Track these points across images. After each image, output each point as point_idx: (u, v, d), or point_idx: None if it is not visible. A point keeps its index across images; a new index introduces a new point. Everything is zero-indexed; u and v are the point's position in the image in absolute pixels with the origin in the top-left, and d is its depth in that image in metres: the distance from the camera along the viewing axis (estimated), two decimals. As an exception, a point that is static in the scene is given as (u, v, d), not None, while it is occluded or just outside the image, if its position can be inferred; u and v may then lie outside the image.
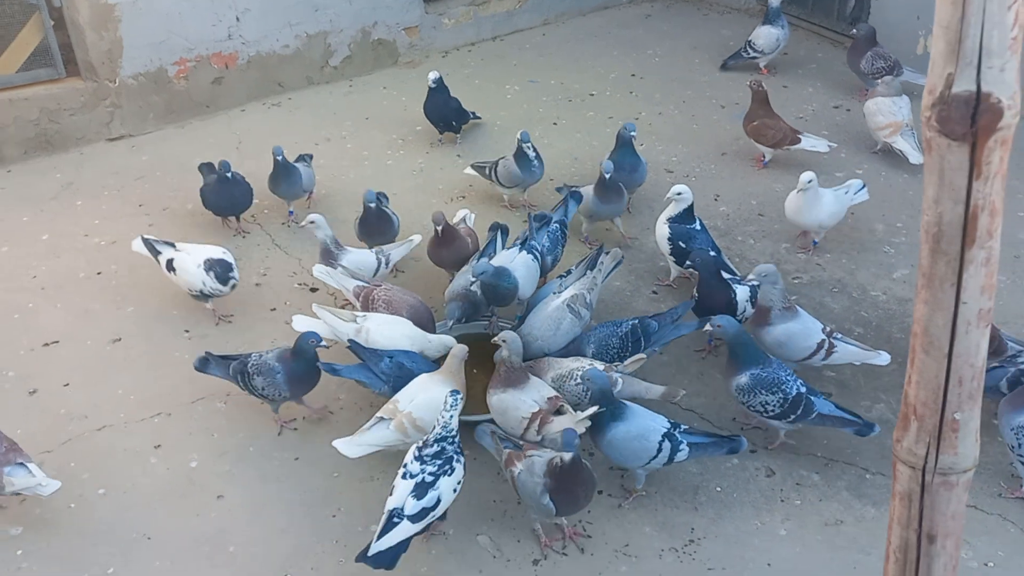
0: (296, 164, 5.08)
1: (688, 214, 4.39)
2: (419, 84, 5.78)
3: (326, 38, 6.54)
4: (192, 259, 4.23)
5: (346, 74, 6.70)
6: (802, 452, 3.65)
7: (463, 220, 4.66)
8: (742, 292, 4.01)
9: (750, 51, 6.58)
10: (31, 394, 4.01)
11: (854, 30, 6.10)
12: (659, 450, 3.27)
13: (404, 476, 3.12)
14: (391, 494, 3.11)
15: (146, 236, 4.40)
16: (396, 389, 3.52)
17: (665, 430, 3.30)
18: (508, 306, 4.17)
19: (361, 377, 3.58)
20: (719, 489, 3.49)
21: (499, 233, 4.40)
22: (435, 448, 3.14)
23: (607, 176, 4.58)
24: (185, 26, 5.95)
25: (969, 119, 1.50)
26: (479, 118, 5.98)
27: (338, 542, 3.32)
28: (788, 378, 3.47)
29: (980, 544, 3.25)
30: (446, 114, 5.76)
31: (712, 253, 4.24)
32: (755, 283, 3.79)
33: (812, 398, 3.45)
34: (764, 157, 5.52)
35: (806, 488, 3.49)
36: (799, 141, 5.37)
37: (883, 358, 3.78)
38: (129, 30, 5.74)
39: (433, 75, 5.65)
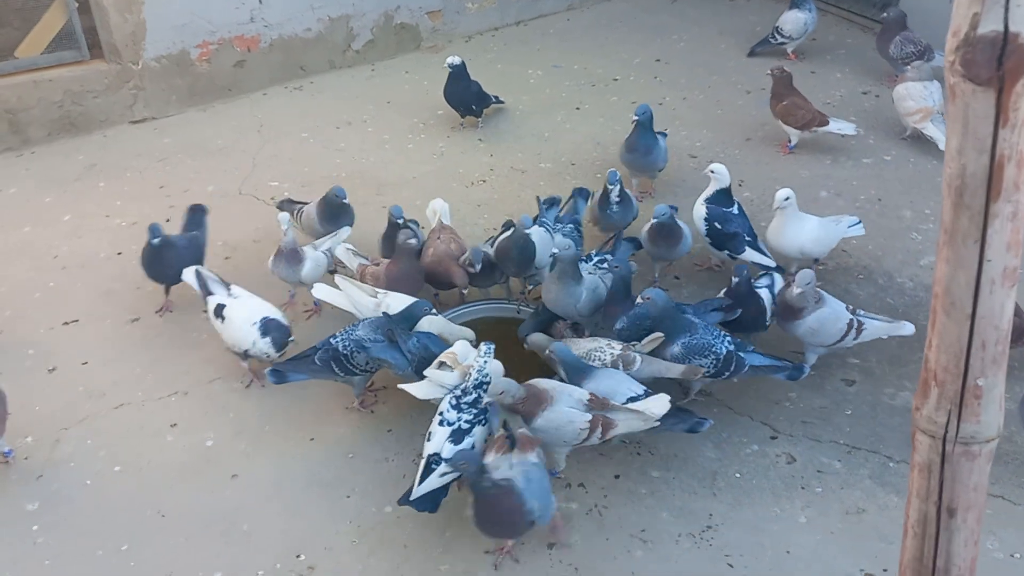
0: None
1: (726, 196, 4.33)
2: (441, 69, 5.73)
3: (348, 21, 6.51)
4: (247, 314, 3.76)
5: (368, 58, 6.67)
6: (824, 439, 3.58)
7: (439, 216, 4.42)
8: (768, 296, 3.89)
9: (778, 37, 6.47)
10: (50, 372, 4.03)
11: (884, 14, 5.98)
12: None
13: (441, 423, 3.24)
14: (428, 440, 3.22)
15: (200, 269, 4.02)
16: (419, 371, 3.49)
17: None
18: (523, 274, 4.12)
19: (387, 356, 3.53)
20: (738, 475, 3.43)
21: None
22: (472, 396, 3.29)
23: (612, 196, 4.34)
24: (208, 9, 5.94)
25: (995, 62, 1.40)
26: (502, 102, 5.92)
27: (352, 522, 3.30)
28: (716, 340, 3.56)
29: (1007, 535, 3.17)
30: (466, 98, 5.71)
31: (748, 238, 4.25)
32: (797, 290, 3.65)
33: (741, 354, 3.57)
34: (790, 141, 5.42)
35: (828, 475, 3.42)
36: (827, 123, 5.27)
37: (908, 328, 3.73)
38: (152, 12, 5.74)
39: (451, 59, 5.60)
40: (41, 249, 4.78)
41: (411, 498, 3.14)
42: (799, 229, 4.23)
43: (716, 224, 4.29)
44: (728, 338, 3.60)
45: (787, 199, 4.18)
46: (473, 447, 3.20)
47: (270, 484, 3.48)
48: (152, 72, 5.90)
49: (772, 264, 4.21)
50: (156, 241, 4.10)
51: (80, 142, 5.75)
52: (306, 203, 4.61)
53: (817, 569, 3.10)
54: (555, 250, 3.88)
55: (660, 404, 3.23)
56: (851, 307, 3.75)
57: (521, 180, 5.25)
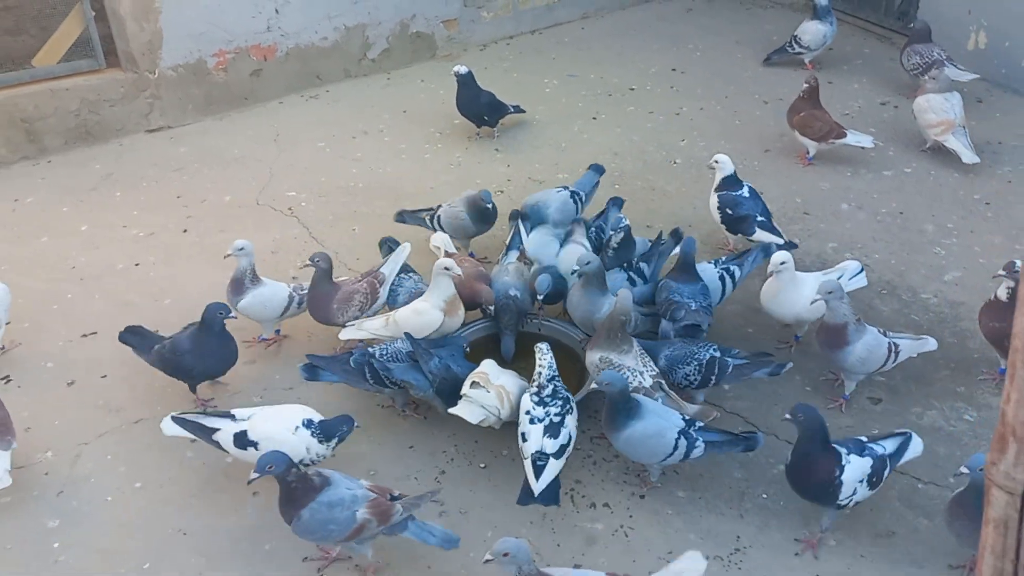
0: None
1: (734, 181, 4.48)
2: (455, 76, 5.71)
3: (364, 31, 6.49)
4: (280, 424, 3.31)
5: (384, 67, 6.65)
6: (851, 459, 3.53)
7: (443, 250, 4.34)
8: (850, 472, 3.14)
9: (795, 46, 6.44)
10: (69, 385, 4.00)
11: (912, 24, 5.91)
12: (675, 447, 3.22)
13: (532, 422, 3.28)
14: (525, 441, 3.25)
15: (176, 414, 3.41)
16: (440, 393, 3.46)
17: (680, 428, 3.24)
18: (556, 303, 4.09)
19: (408, 377, 3.51)
20: (764, 496, 3.40)
21: (519, 221, 4.36)
22: (550, 388, 3.33)
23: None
24: (225, 18, 5.93)
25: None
26: (523, 111, 5.88)
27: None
28: (699, 348, 3.59)
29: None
30: (476, 108, 5.68)
31: (761, 218, 4.40)
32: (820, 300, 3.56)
33: (727, 358, 3.56)
34: (808, 153, 5.38)
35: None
36: (844, 135, 5.24)
37: (931, 344, 3.69)
38: (169, 21, 5.72)
39: (459, 68, 5.57)
40: (58, 259, 4.76)
41: (535, 495, 3.17)
42: (796, 295, 3.84)
43: (727, 210, 4.45)
44: (712, 346, 3.62)
45: (783, 263, 3.81)
46: (570, 437, 3.28)
47: (292, 502, 3.44)
48: (168, 81, 5.88)
49: (783, 242, 4.32)
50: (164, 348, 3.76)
51: (96, 151, 5.73)
52: (430, 208, 4.62)
53: (847, 593, 3.06)
54: (576, 267, 3.83)
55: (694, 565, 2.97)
56: (880, 329, 3.69)
57: (539, 190, 5.20)
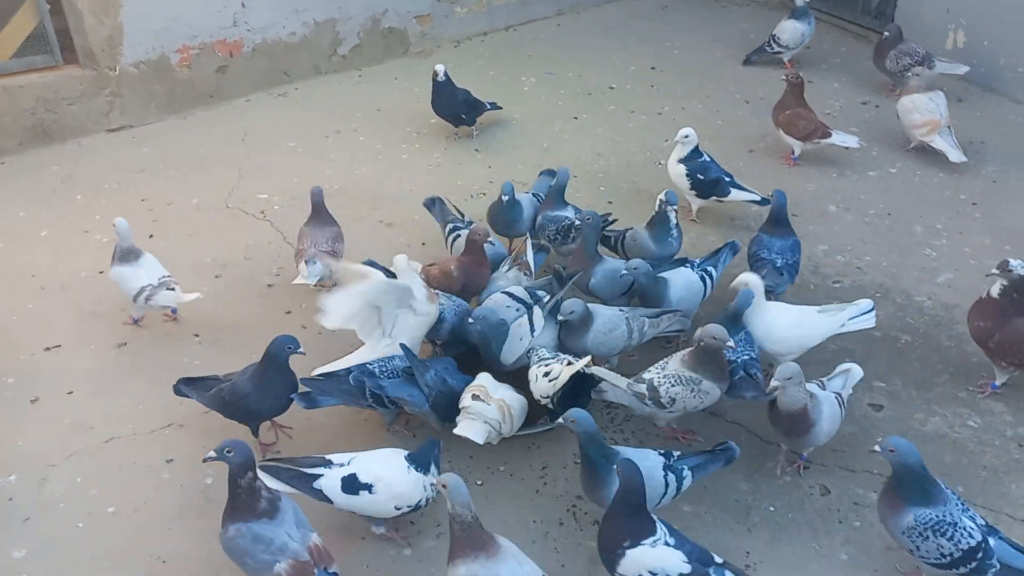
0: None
1: (696, 151, 4.69)
2: (431, 75, 5.52)
3: (335, 26, 6.28)
4: (391, 465, 3.03)
5: (355, 63, 6.45)
6: (857, 468, 3.44)
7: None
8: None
9: (774, 45, 6.38)
10: (33, 402, 3.76)
11: (885, 32, 5.87)
12: (666, 484, 3.03)
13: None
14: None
15: (263, 462, 3.10)
16: (436, 408, 3.30)
17: (663, 463, 3.06)
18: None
19: (403, 393, 3.34)
20: (772, 509, 3.29)
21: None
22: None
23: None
24: (189, 12, 5.68)
25: None
26: (499, 107, 5.72)
27: (368, 567, 3.10)
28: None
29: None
30: (455, 108, 5.51)
31: (727, 178, 4.69)
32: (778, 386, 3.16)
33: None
34: (793, 153, 5.31)
35: (864, 508, 3.28)
36: (829, 135, 5.17)
37: (856, 373, 3.45)
38: (130, 15, 5.46)
39: (440, 68, 5.39)
40: (18, 268, 4.49)
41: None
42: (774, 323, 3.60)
43: (699, 176, 4.68)
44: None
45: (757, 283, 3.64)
46: None
47: (277, 525, 3.25)
48: (130, 78, 5.62)
49: (758, 198, 4.63)
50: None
51: (54, 152, 5.45)
52: (461, 226, 4.30)
53: (862, 610, 2.97)
54: (562, 317, 3.60)
55: None
56: (818, 381, 3.37)
57: (522, 192, 5.05)
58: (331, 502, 3.00)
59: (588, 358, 3.41)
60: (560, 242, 4.34)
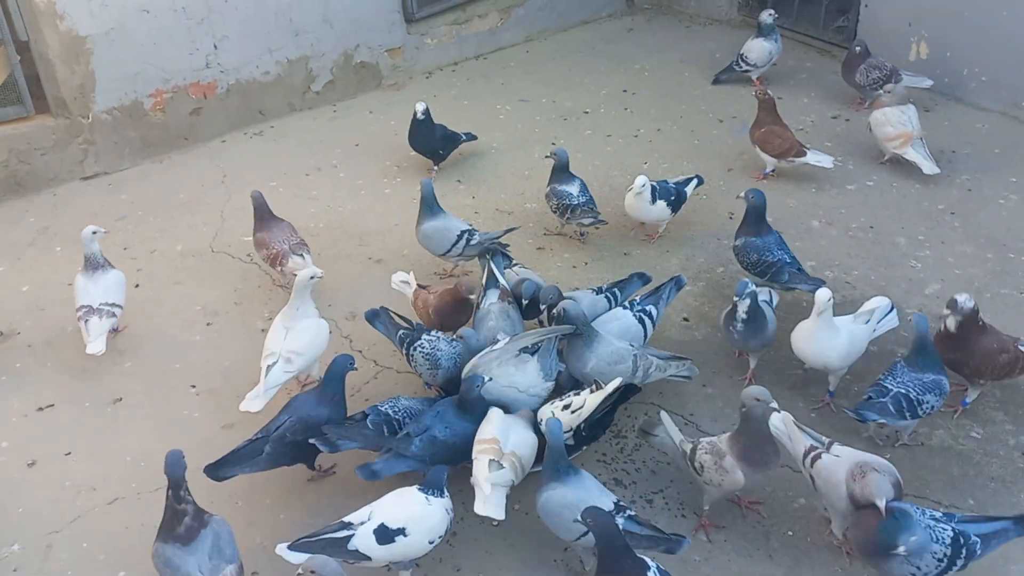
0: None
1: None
2: (405, 107, 5.52)
3: (307, 63, 6.25)
4: (411, 502, 3.04)
5: (329, 99, 6.42)
6: (867, 486, 3.48)
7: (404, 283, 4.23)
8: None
9: (742, 64, 6.47)
10: (30, 466, 3.67)
11: (857, 48, 5.99)
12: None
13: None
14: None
15: (293, 543, 2.96)
16: (436, 462, 3.25)
17: (604, 511, 2.93)
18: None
19: (402, 468, 3.29)
20: (791, 533, 3.31)
21: (490, 259, 4.15)
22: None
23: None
24: (161, 56, 5.61)
25: None
26: (475, 138, 5.73)
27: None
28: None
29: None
30: (432, 144, 5.51)
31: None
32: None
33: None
34: (766, 167, 5.38)
35: (879, 526, 3.32)
36: (804, 154, 5.26)
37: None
38: (102, 62, 5.39)
39: (420, 106, 5.38)
40: (2, 325, 4.38)
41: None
42: (832, 341, 3.64)
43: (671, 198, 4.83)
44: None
45: (829, 299, 3.62)
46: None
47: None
48: (103, 125, 5.54)
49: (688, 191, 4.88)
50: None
51: (29, 203, 5.35)
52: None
53: (885, 628, 2.99)
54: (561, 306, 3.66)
55: None
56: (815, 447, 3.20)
57: (509, 221, 5.07)
58: (369, 559, 2.95)
59: (618, 380, 3.40)
60: (560, 214, 4.82)
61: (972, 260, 4.69)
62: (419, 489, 3.05)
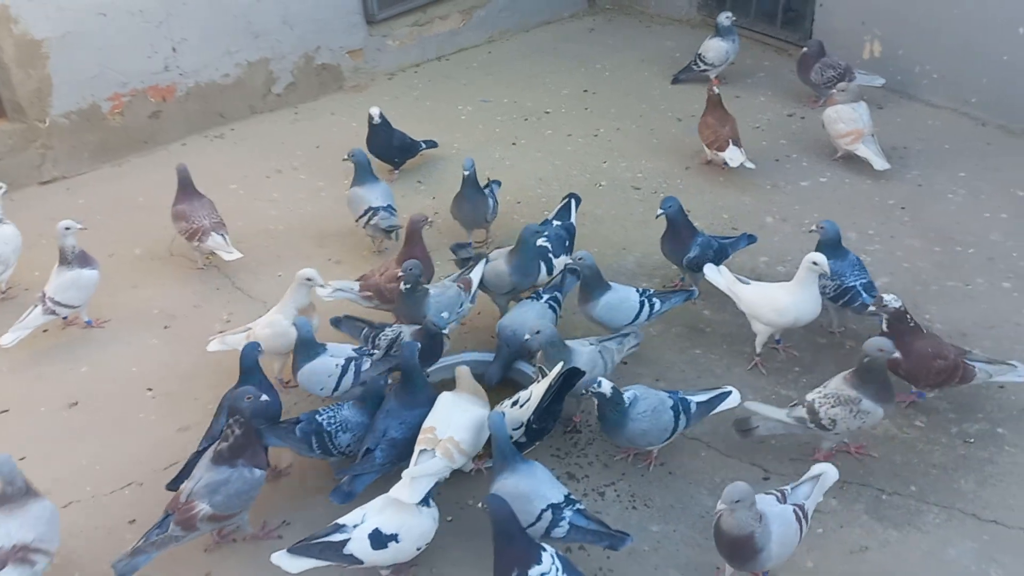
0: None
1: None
2: (367, 109, 5.52)
3: (268, 65, 6.26)
4: (402, 508, 3.08)
5: (290, 101, 6.43)
6: (814, 476, 3.55)
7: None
8: None
9: (700, 64, 6.55)
10: (-17, 471, 3.65)
11: (804, 48, 6.11)
12: (538, 519, 3.04)
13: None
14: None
15: (290, 549, 3.04)
16: (404, 460, 3.28)
17: (553, 501, 3.06)
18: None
19: (373, 478, 3.33)
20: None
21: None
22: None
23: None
24: (118, 59, 5.60)
25: None
26: (435, 145, 5.77)
27: None
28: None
29: (1007, 560, 3.21)
30: (389, 151, 5.55)
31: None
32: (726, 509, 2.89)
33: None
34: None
35: (825, 515, 3.39)
36: (724, 150, 5.36)
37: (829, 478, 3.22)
38: (58, 66, 5.38)
39: (375, 111, 5.41)
40: (-45, 332, 4.37)
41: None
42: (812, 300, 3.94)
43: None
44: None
45: (815, 263, 3.87)
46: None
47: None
48: (60, 129, 5.52)
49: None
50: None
51: (-15, 208, 5.30)
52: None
53: (830, 614, 3.07)
54: (528, 336, 3.71)
55: None
56: (775, 491, 3.12)
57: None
58: (361, 563, 3.00)
59: (560, 364, 3.46)
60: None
61: (920, 253, 4.79)
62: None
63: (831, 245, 4.16)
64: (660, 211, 4.36)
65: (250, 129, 6.17)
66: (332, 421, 3.40)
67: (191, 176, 4.73)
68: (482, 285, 4.19)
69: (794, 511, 3.00)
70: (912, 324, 3.69)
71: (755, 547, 2.88)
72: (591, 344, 3.76)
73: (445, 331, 3.79)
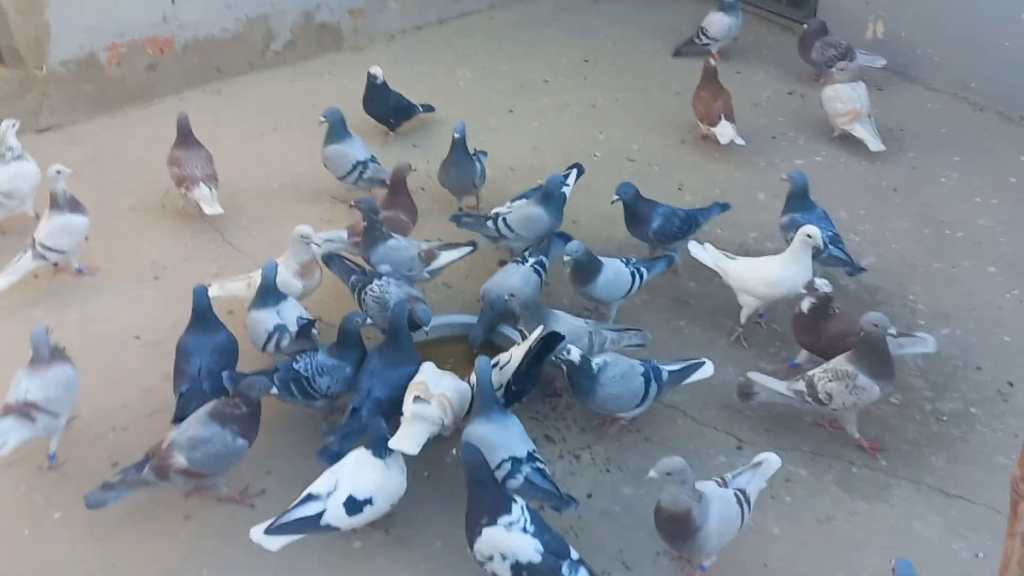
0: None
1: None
2: (365, 70, 5.52)
3: (267, 21, 6.24)
4: (371, 468, 3.11)
5: (289, 59, 6.42)
6: (788, 447, 3.60)
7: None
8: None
9: (702, 38, 6.53)
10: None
11: (804, 25, 6.10)
12: (497, 467, 3.10)
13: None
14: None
15: (268, 528, 3.01)
16: (389, 418, 3.33)
17: (516, 455, 3.12)
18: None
19: (360, 439, 3.32)
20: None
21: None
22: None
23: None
24: (117, 9, 5.59)
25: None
26: (432, 109, 5.77)
27: (320, 560, 3.16)
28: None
29: (970, 534, 3.27)
30: (386, 112, 5.56)
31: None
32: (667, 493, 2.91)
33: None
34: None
35: (795, 484, 3.45)
36: (715, 125, 5.36)
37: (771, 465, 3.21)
38: (57, 13, 5.36)
39: (377, 71, 5.42)
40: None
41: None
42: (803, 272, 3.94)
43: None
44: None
45: (809, 236, 3.92)
46: None
47: (227, 524, 3.28)
48: (58, 77, 5.52)
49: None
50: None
51: (-20, 153, 5.31)
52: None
53: (794, 581, 3.13)
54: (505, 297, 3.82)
55: None
56: (716, 479, 3.10)
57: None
58: (339, 530, 3.04)
59: (540, 328, 3.50)
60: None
61: (909, 235, 4.81)
62: (373, 453, 3.11)
63: (799, 196, 4.32)
64: (616, 197, 4.34)
65: (247, 85, 6.17)
66: (308, 367, 3.46)
67: (190, 125, 4.77)
68: (504, 238, 4.31)
69: (735, 494, 2.99)
70: (833, 311, 3.69)
71: (693, 525, 2.85)
72: (586, 323, 3.79)
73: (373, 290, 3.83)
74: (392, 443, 3.15)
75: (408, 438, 3.20)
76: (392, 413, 3.35)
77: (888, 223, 4.91)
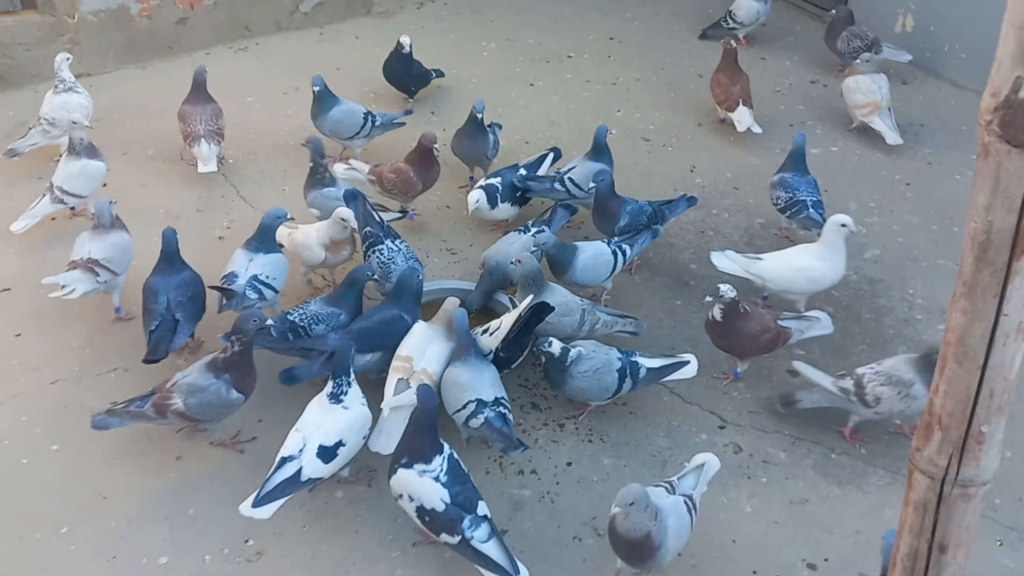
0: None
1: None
2: (392, 36, 5.58)
3: (297, -19, 6.32)
4: (337, 414, 3.17)
5: (317, 21, 6.49)
6: (770, 430, 3.65)
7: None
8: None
9: (730, 22, 6.49)
10: (-20, 344, 3.86)
11: (832, 11, 6.05)
12: (463, 407, 3.27)
13: None
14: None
15: (255, 501, 3.01)
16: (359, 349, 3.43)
17: (482, 399, 3.26)
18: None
19: (321, 372, 3.47)
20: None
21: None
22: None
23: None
24: (150, -39, 5.70)
25: (1034, 125, 1.41)
26: (442, 75, 5.82)
27: (302, 507, 3.26)
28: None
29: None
30: (407, 81, 5.62)
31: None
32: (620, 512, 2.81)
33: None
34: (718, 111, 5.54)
35: (773, 466, 3.50)
36: (732, 110, 5.36)
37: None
38: (90, -37, 5.48)
39: (406, 40, 5.47)
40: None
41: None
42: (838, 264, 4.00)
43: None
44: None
45: (844, 225, 3.93)
46: None
47: (216, 465, 3.40)
48: (88, 26, 5.64)
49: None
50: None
51: (9, 97, 5.47)
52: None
53: (761, 558, 3.18)
54: (511, 262, 3.84)
55: None
56: (665, 483, 3.07)
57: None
58: (323, 478, 3.12)
59: (530, 297, 3.56)
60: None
61: (916, 230, 4.80)
62: (329, 396, 3.16)
63: (796, 157, 4.49)
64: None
65: (274, 44, 6.25)
66: (303, 317, 3.57)
67: (206, 80, 4.84)
68: (574, 197, 4.49)
69: (684, 502, 2.97)
70: (744, 311, 3.67)
71: (653, 546, 2.83)
72: (582, 300, 3.83)
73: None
74: (370, 443, 3.26)
75: (386, 434, 3.27)
76: (363, 346, 3.44)
77: (897, 216, 4.90)
